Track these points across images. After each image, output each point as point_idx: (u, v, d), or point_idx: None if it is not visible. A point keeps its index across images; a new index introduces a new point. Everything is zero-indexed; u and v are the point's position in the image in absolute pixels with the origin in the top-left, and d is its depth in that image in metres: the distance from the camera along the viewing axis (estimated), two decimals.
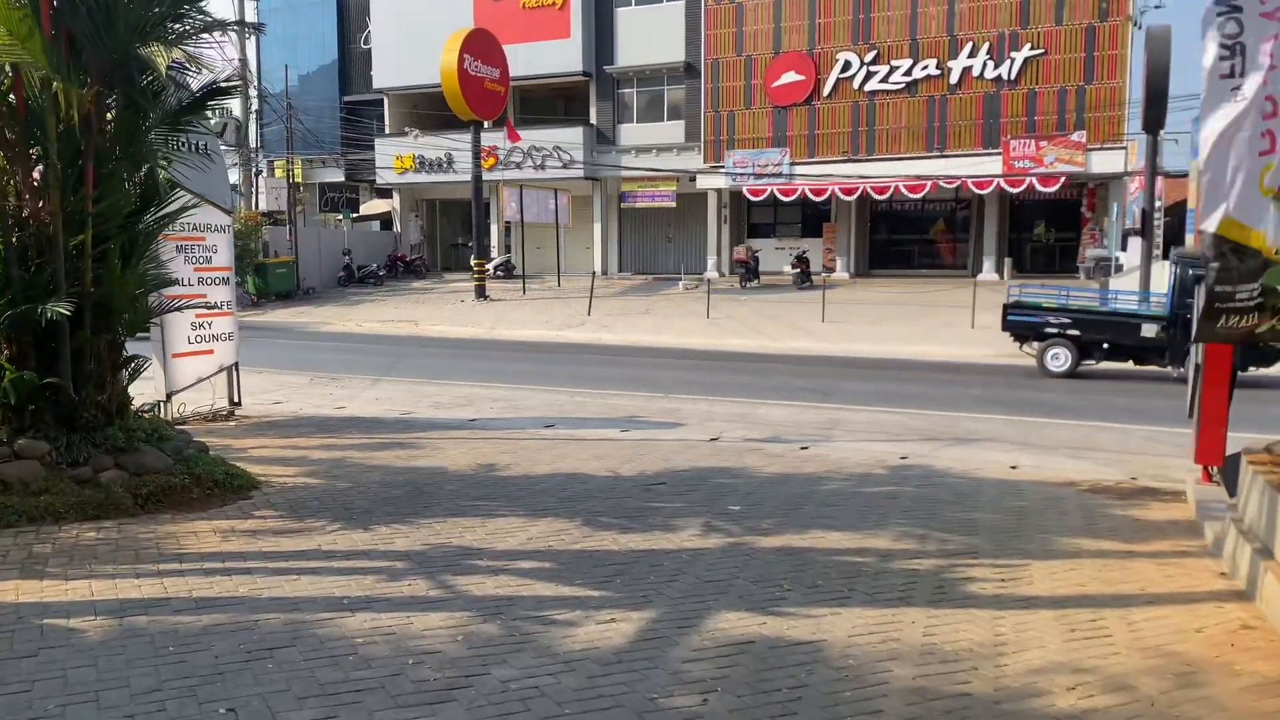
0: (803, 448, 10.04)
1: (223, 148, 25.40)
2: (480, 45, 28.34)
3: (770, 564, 5.77)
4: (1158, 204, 22.03)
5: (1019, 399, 13.62)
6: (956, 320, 21.93)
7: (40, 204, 6.65)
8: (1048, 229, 29.91)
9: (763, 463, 9.12)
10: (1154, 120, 19.22)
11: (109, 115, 6.99)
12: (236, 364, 11.78)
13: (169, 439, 7.38)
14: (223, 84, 7.33)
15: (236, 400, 11.84)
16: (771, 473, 8.66)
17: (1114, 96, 25.57)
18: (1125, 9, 25.34)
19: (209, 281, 11.17)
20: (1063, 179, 25.93)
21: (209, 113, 7.61)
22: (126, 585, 5.18)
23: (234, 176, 33.52)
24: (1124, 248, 25.28)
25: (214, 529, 6.36)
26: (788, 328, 22.20)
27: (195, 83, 7.57)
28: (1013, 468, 9.20)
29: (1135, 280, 20.85)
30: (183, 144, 7.99)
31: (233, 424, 11.24)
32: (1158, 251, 22.46)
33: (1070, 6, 25.96)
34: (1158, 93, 18.80)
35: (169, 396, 10.58)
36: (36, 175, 6.72)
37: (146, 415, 7.77)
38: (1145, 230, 20.01)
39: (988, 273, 28.43)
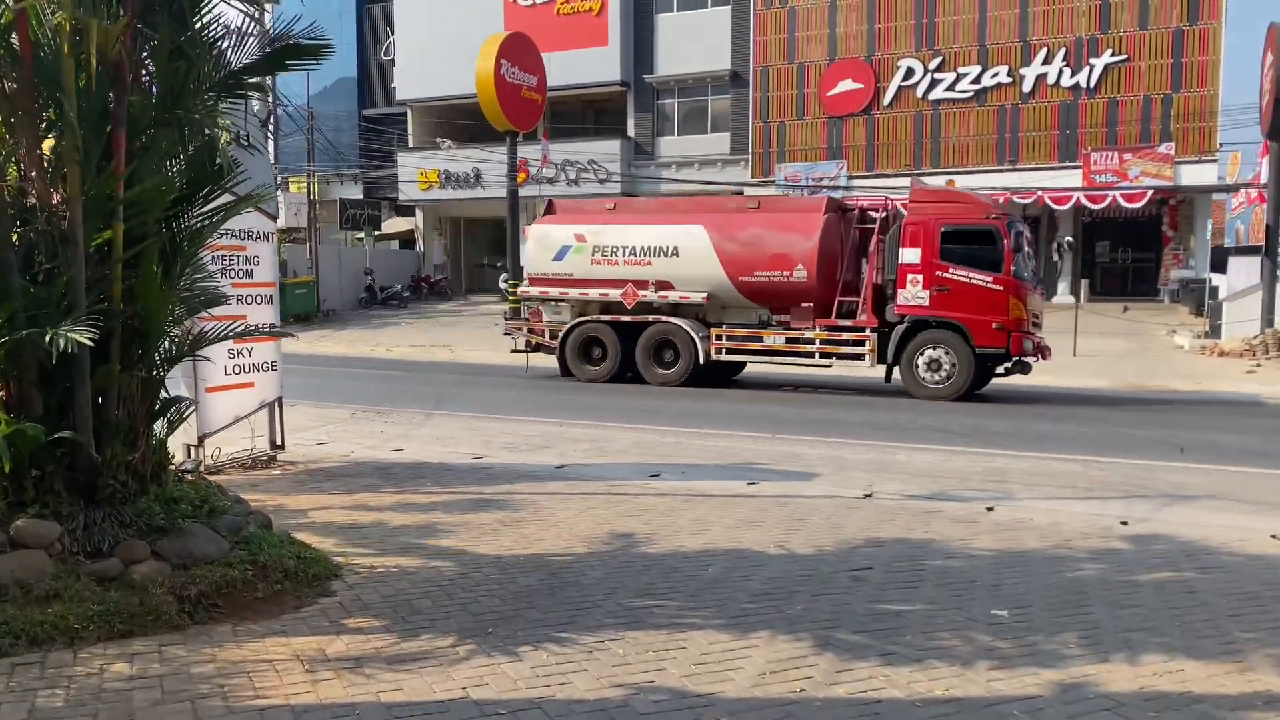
0: (988, 508, 8.08)
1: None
2: (518, 50, 26.57)
3: None
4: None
5: (1201, 441, 11.60)
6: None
7: (52, 187, 4.71)
8: (1121, 249, 27.93)
9: (960, 533, 7.15)
10: None
11: (143, 69, 5.07)
12: (280, 399, 9.84)
13: (221, 510, 5.42)
14: (303, 40, 5.39)
15: (279, 442, 9.89)
16: (987, 549, 6.69)
17: (1204, 105, 23.75)
18: (1217, 12, 23.51)
19: (250, 300, 9.25)
20: (1149, 194, 24.01)
21: (272, 79, 5.66)
22: None
23: None
24: (1218, 269, 23.32)
25: (295, 653, 4.39)
26: None
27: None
28: (1274, 537, 7.24)
29: (1253, 304, 18.94)
30: (230, 125, 6.07)
31: (277, 473, 9.28)
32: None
33: (1155, 10, 24.19)
34: None
35: (201, 440, 8.64)
36: (48, 148, 4.79)
37: (189, 476, 5.81)
38: (1269, 249, 18.07)
39: (1062, 295, 26.47)
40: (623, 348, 16.74)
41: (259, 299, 9.40)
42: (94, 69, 4.71)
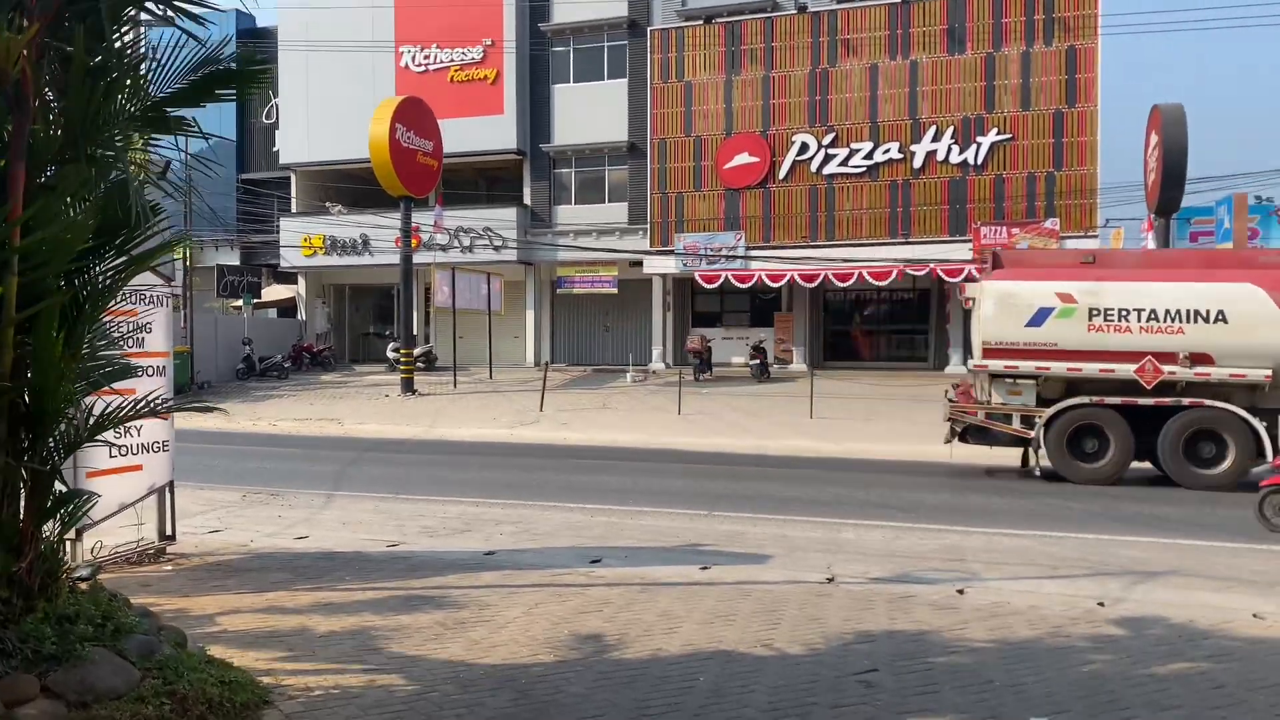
0: (959, 590, 7.64)
1: None
2: (413, 115, 25.84)
3: None
4: None
5: (1140, 515, 11.53)
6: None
7: None
8: None
9: (946, 621, 6.65)
10: (1170, 202, 18.08)
11: (46, 89, 4.23)
12: (171, 483, 8.70)
13: (128, 629, 4.43)
14: (234, 66, 4.63)
15: (170, 532, 8.72)
16: (984, 640, 6.20)
17: (1085, 183, 24.74)
18: (1093, 96, 24.70)
19: (141, 371, 8.16)
20: None
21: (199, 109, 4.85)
22: None
23: None
24: None
25: None
26: (776, 425, 19.94)
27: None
28: (1256, 616, 7.00)
29: None
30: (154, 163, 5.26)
31: (169, 568, 8.15)
32: None
33: (1036, 92, 25.23)
34: (1175, 174, 17.66)
35: (79, 532, 7.45)
36: None
37: (84, 584, 4.80)
38: None
39: (955, 365, 26.94)
40: (1136, 439, 13.42)
41: (151, 370, 8.33)
42: None
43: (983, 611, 6.97)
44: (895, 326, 29.96)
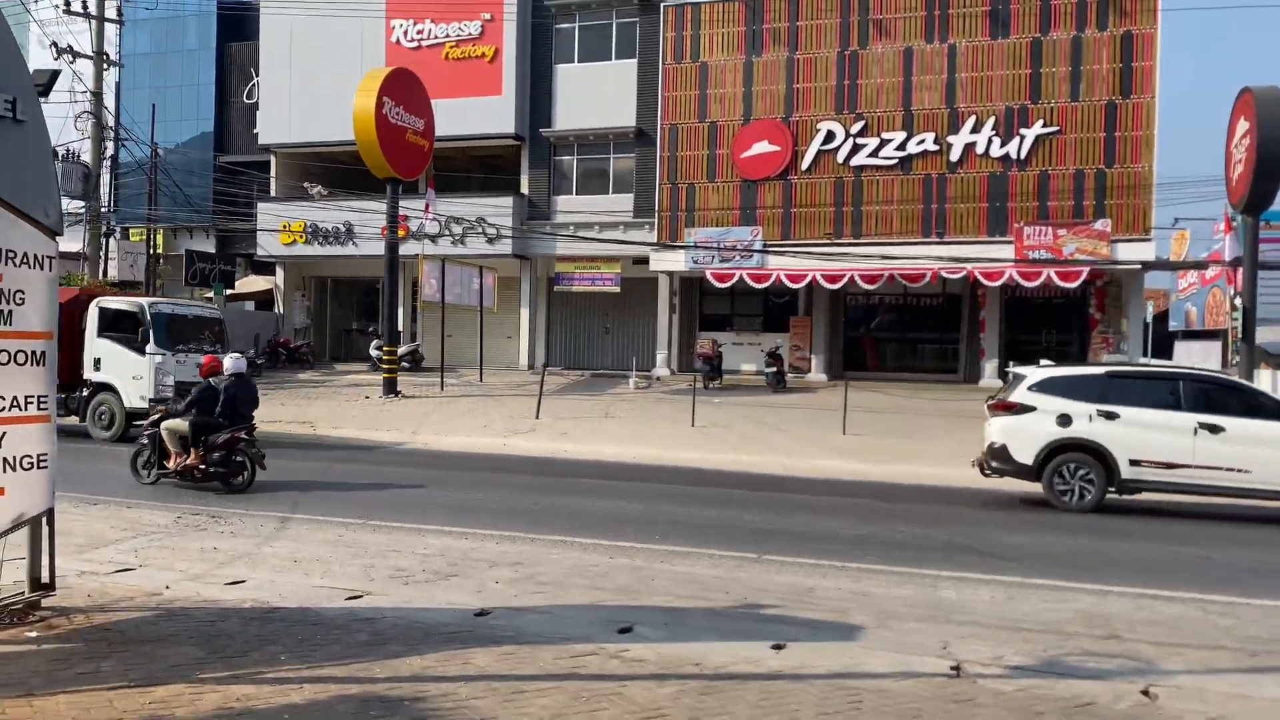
0: (1144, 692, 5.46)
1: (60, 164, 19.27)
2: (403, 89, 23.49)
3: None
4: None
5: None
6: None
7: None
8: (1045, 331, 26.42)
9: None
10: (1263, 197, 15.90)
11: None
12: (50, 511, 6.35)
13: None
14: None
15: (46, 579, 6.37)
16: None
17: (1139, 181, 22.56)
18: (1150, 86, 22.54)
19: (7, 358, 5.86)
20: (1085, 272, 22.56)
21: None
22: None
23: (76, 238, 27.35)
24: (1160, 353, 21.88)
25: None
26: (803, 442, 17.63)
27: None
28: None
29: None
30: None
31: (33, 634, 5.84)
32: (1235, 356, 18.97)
33: (1088, 80, 23.06)
34: (1272, 164, 15.49)
35: None
36: None
37: None
38: (1247, 333, 16.45)
39: (989, 378, 24.71)
40: None
41: (25, 356, 6.02)
42: None
43: None
44: (922, 334, 27.68)
